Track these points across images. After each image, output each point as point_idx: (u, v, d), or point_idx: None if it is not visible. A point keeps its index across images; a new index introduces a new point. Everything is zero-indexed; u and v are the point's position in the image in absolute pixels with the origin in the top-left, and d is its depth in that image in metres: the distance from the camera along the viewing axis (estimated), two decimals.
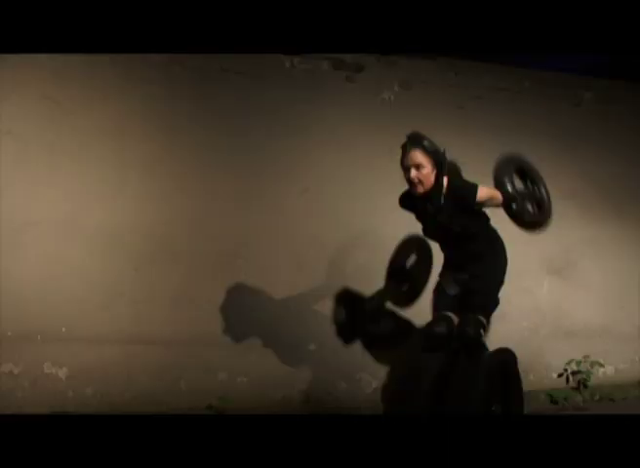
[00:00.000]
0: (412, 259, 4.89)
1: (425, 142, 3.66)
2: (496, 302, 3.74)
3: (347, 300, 4.82)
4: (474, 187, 3.67)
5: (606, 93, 5.89)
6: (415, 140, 3.69)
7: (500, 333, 4.57)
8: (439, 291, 3.87)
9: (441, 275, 3.94)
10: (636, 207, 6.03)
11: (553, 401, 5.20)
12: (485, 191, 3.72)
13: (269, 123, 4.78)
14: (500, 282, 3.77)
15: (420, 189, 3.68)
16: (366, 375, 4.80)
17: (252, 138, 4.74)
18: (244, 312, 4.61)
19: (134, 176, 4.44)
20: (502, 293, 3.83)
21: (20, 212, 4.17)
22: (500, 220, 5.11)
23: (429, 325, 3.74)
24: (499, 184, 3.92)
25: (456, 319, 3.62)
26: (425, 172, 3.64)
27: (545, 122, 5.69)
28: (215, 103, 4.66)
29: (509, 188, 3.90)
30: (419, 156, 3.64)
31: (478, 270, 3.73)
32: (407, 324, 4.67)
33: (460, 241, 3.73)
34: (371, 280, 4.84)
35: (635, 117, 6.02)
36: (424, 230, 3.86)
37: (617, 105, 5.93)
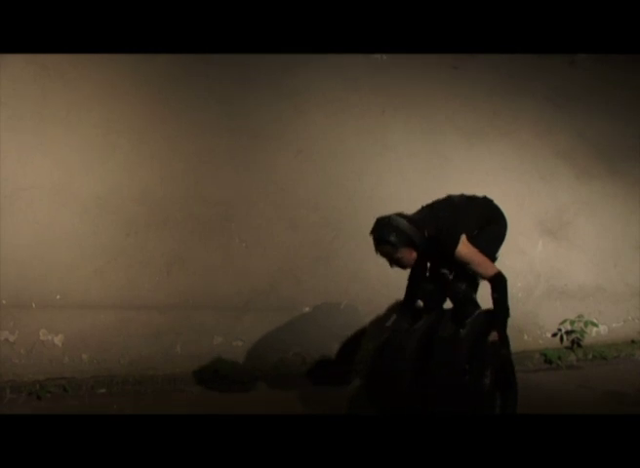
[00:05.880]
0: None
1: (392, 238, 3.34)
2: (493, 260, 3.69)
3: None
4: (456, 238, 3.42)
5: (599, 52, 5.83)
6: (379, 238, 3.40)
7: None
8: None
9: None
10: (630, 166, 6.03)
11: (547, 360, 5.26)
12: (467, 249, 3.42)
13: (262, 85, 4.72)
14: (501, 241, 3.73)
15: (407, 268, 3.57)
16: (359, 337, 4.83)
17: (244, 101, 4.69)
18: (238, 275, 4.61)
19: (124, 141, 4.39)
20: (498, 253, 3.82)
21: (11, 179, 4.12)
22: (493, 180, 5.13)
23: (422, 282, 3.73)
24: None
25: (449, 276, 3.60)
26: (405, 259, 3.43)
27: (539, 81, 5.65)
28: (206, 67, 4.59)
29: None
30: (389, 252, 3.41)
31: (481, 235, 3.67)
32: None
33: None
34: (364, 241, 4.83)
35: (629, 76, 5.99)
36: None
37: (610, 64, 5.88)
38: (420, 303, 3.75)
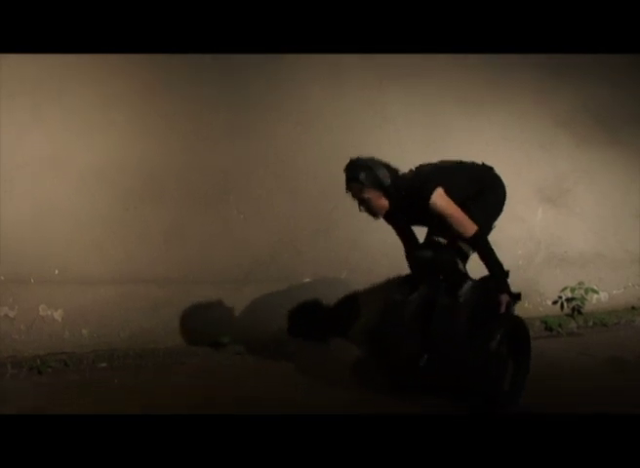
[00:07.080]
0: None
1: (361, 175, 3.39)
2: (488, 229, 3.64)
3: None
4: (430, 188, 3.37)
5: None
6: (349, 175, 3.46)
7: None
8: None
9: None
10: (630, 134, 6.02)
11: (548, 328, 5.29)
12: (444, 201, 3.37)
13: (260, 56, 4.65)
14: (497, 210, 3.68)
15: (378, 217, 3.56)
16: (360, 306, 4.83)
17: (242, 73, 4.64)
18: (237, 247, 4.60)
19: (119, 115, 4.34)
20: (497, 222, 3.79)
21: (7, 155, 4.07)
22: (493, 150, 5.10)
23: (416, 249, 3.71)
24: None
25: (444, 244, 3.56)
26: (373, 202, 3.46)
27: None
28: None
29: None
30: (357, 191, 3.46)
31: (475, 201, 3.63)
32: None
33: None
34: (364, 212, 4.81)
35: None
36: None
37: None
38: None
